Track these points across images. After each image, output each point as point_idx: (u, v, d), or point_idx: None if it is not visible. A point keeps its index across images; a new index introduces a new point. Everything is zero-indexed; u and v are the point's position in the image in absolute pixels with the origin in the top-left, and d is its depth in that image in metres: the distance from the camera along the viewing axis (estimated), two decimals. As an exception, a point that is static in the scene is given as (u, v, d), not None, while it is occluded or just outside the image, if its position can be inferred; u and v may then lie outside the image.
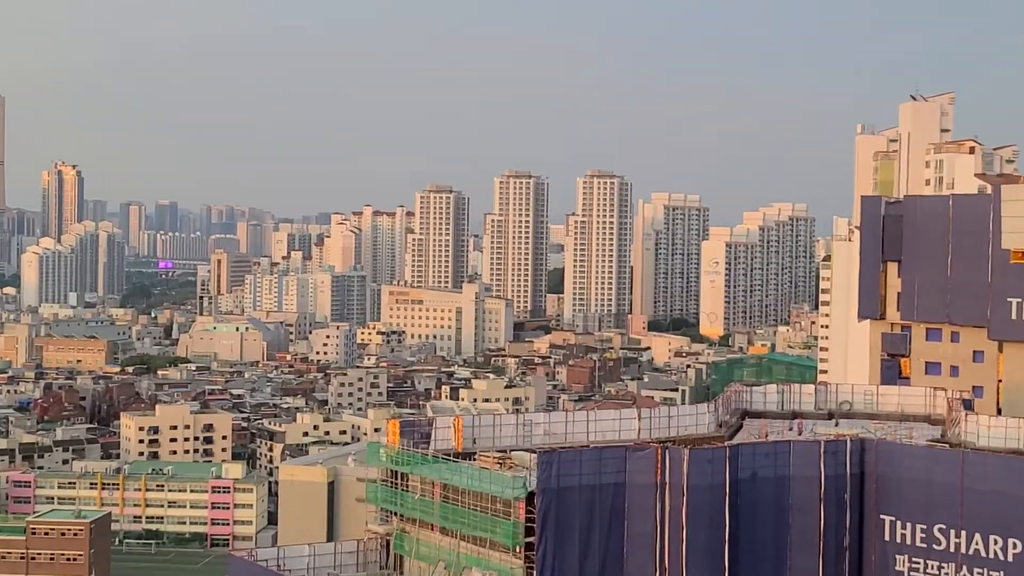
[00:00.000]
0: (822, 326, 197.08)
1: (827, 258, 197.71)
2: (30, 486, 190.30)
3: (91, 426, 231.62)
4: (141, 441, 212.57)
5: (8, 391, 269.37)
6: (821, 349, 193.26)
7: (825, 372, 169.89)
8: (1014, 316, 78.46)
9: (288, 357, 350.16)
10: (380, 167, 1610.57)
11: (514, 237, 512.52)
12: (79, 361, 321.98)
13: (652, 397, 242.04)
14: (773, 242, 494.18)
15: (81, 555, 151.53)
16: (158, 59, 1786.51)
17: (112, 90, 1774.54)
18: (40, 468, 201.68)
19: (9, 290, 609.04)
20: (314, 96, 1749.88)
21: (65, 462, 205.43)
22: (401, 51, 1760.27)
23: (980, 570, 55.15)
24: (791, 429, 69.64)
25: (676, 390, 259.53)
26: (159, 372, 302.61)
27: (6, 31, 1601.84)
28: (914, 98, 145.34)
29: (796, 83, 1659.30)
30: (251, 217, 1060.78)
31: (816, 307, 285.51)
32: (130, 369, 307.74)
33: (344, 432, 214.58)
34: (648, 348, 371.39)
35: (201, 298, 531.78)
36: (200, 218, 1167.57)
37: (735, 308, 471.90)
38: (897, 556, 57.25)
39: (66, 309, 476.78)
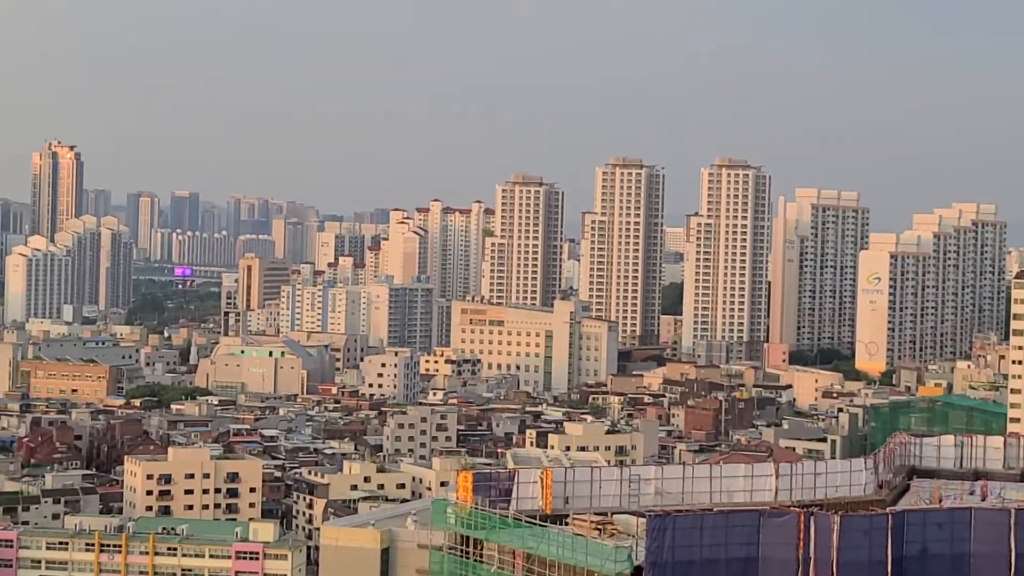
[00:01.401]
0: (1014, 361, 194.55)
1: (1021, 274, 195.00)
2: (12, 546, 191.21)
3: (88, 472, 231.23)
4: (149, 492, 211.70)
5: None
6: (1012, 391, 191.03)
7: (1017, 421, 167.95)
8: None
9: (333, 390, 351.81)
10: (451, 153, 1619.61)
11: (620, 242, 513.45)
12: (74, 391, 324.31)
13: (793, 449, 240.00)
14: (951, 253, 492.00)
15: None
16: (177, 19, 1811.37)
17: (119, 56, 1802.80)
18: (25, 524, 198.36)
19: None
20: (367, 69, 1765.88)
21: (56, 517, 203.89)
22: (480, 18, 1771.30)
23: None
24: (972, 493, 69.07)
25: (824, 440, 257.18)
26: (173, 406, 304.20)
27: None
28: None
29: (975, 54, 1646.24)
30: (290, 213, 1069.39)
31: (1006, 337, 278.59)
32: (137, 402, 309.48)
33: (402, 486, 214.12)
34: (789, 386, 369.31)
35: (226, 314, 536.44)
36: (226, 214, 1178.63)
37: (901, 337, 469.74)
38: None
39: (59, 325, 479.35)
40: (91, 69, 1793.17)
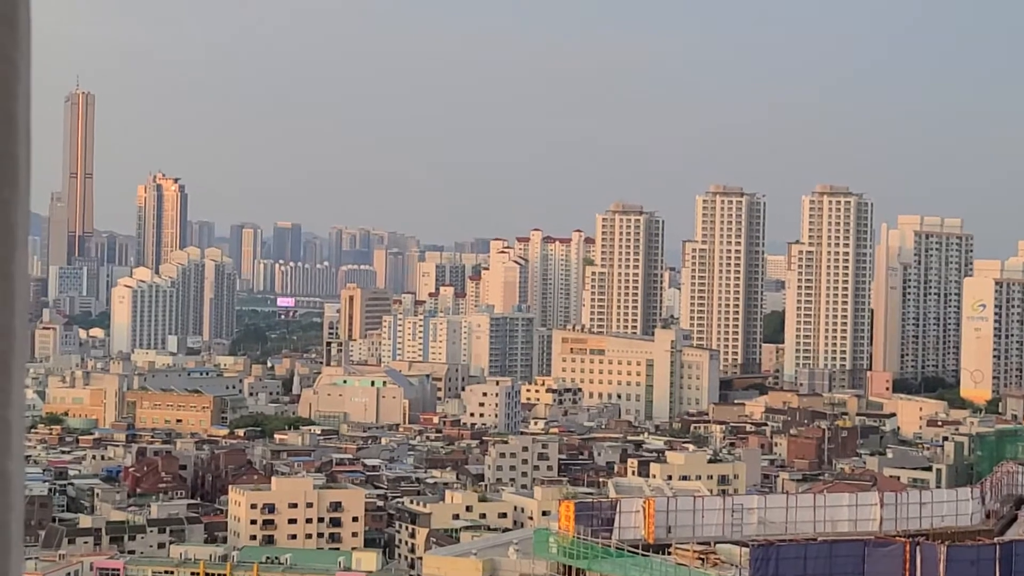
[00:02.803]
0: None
1: None
2: (119, 574, 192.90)
3: (193, 502, 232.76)
4: (253, 522, 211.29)
5: (94, 457, 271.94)
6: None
7: None
8: None
9: (435, 420, 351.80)
10: (551, 182, 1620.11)
11: (721, 270, 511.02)
12: (179, 421, 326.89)
13: (898, 478, 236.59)
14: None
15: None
16: (277, 47, 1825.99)
17: (221, 86, 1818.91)
18: (131, 553, 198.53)
19: (97, 332, 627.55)
20: (466, 99, 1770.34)
21: (161, 546, 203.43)
22: (574, 46, 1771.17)
23: None
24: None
25: (929, 469, 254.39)
26: (276, 436, 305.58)
27: (94, 11, 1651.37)
28: None
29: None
30: (391, 244, 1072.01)
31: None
32: (241, 432, 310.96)
33: (504, 515, 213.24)
34: (893, 415, 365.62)
35: (328, 344, 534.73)
36: (328, 244, 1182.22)
37: (1007, 364, 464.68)
38: None
39: (164, 356, 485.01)
40: (193, 102, 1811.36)
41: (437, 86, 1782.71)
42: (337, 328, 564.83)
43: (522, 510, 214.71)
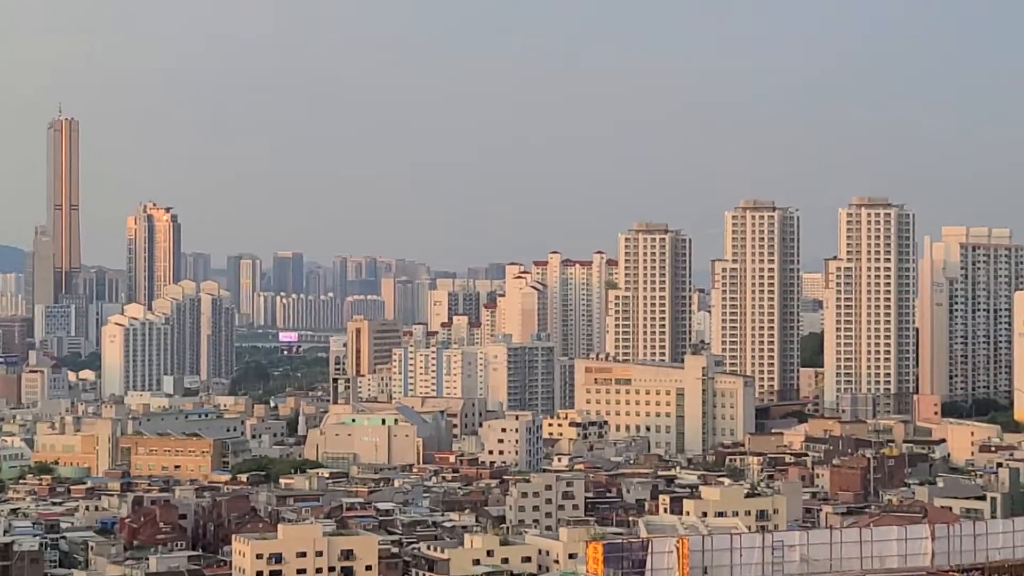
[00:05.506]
0: None
1: None
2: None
3: (194, 553, 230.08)
4: (260, 573, 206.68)
5: (87, 508, 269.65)
6: None
7: None
8: None
9: (451, 459, 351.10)
10: (569, 202, 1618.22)
11: (754, 291, 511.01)
12: (177, 467, 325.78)
13: (950, 508, 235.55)
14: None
15: None
16: (272, 68, 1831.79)
17: (215, 109, 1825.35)
18: None
19: (87, 374, 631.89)
20: (477, 115, 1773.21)
21: None
22: (596, 60, 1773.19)
23: None
24: None
25: (983, 498, 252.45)
26: (282, 481, 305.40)
27: (77, 34, 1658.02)
28: None
29: None
30: (399, 271, 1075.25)
31: None
32: (244, 477, 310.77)
33: (528, 559, 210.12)
34: (942, 441, 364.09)
35: (335, 381, 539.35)
36: (332, 274, 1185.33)
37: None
38: None
39: (160, 398, 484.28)
40: (185, 129, 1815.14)
41: (439, 106, 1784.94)
42: (344, 363, 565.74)
43: (547, 553, 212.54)
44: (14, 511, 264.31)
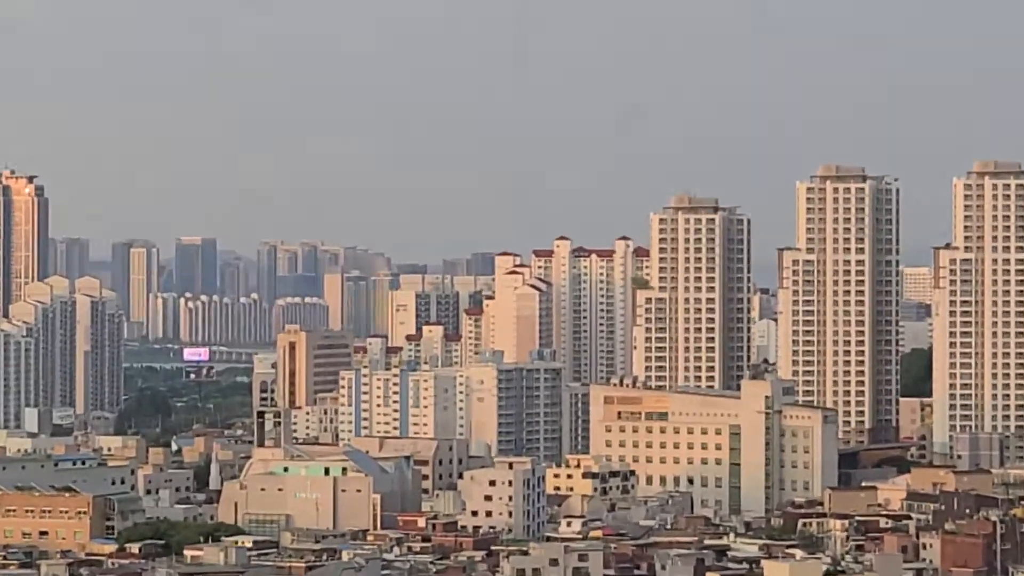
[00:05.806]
0: None
1: None
2: None
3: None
4: None
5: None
6: None
7: None
8: None
9: (421, 522, 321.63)
10: (582, 170, 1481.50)
11: (836, 291, 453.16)
12: (43, 533, 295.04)
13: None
14: None
15: None
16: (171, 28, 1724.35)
17: (95, 73, 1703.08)
18: None
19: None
20: (460, 67, 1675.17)
21: None
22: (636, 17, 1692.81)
23: None
24: None
25: None
26: (187, 553, 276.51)
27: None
28: None
29: None
30: (349, 264, 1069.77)
31: None
32: (135, 548, 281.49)
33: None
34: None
35: (261, 415, 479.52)
36: (257, 268, 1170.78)
37: None
38: None
39: (19, 439, 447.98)
40: (57, 85, 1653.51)
41: (406, 39, 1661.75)
42: (273, 391, 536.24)
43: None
44: None
